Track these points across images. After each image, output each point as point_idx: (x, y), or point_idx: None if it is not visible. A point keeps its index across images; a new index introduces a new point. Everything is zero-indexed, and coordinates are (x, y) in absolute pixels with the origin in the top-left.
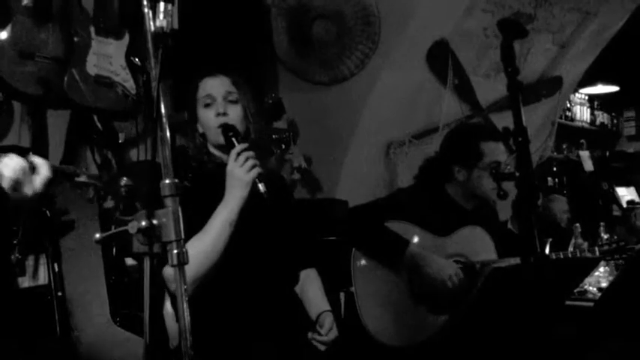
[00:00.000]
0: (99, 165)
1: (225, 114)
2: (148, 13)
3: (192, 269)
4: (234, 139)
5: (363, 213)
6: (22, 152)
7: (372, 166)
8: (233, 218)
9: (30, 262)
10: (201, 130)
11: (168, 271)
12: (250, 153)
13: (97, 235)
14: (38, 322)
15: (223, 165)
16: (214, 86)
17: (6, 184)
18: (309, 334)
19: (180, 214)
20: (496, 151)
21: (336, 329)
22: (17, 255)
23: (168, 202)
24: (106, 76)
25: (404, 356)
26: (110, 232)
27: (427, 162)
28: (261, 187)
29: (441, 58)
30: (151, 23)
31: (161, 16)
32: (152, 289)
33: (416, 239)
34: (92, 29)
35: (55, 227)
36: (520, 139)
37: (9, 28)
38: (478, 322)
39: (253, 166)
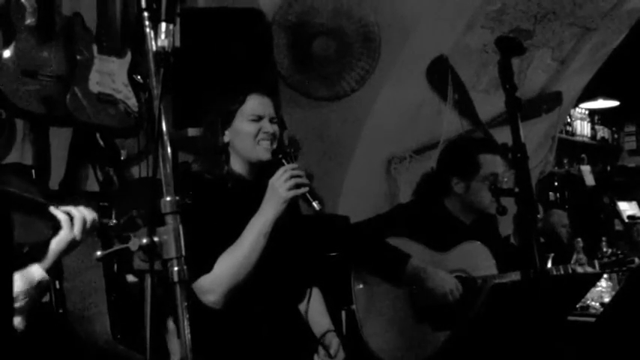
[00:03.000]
0: (101, 182)
1: (274, 136)
2: (150, 33)
3: (226, 281)
4: (284, 161)
5: (364, 229)
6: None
7: (373, 181)
8: (267, 230)
9: None
10: (227, 139)
11: (204, 281)
12: (299, 172)
13: (98, 253)
14: (40, 339)
15: (243, 180)
16: (264, 105)
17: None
18: (315, 357)
19: (182, 231)
20: (493, 163)
21: (342, 351)
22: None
23: (169, 219)
24: (109, 93)
25: None
26: (111, 250)
27: (425, 177)
28: (315, 205)
29: (440, 74)
30: (153, 43)
31: (162, 35)
32: (153, 306)
33: (416, 255)
34: (95, 47)
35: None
36: (518, 155)
37: (12, 46)
38: (480, 338)
39: (297, 186)
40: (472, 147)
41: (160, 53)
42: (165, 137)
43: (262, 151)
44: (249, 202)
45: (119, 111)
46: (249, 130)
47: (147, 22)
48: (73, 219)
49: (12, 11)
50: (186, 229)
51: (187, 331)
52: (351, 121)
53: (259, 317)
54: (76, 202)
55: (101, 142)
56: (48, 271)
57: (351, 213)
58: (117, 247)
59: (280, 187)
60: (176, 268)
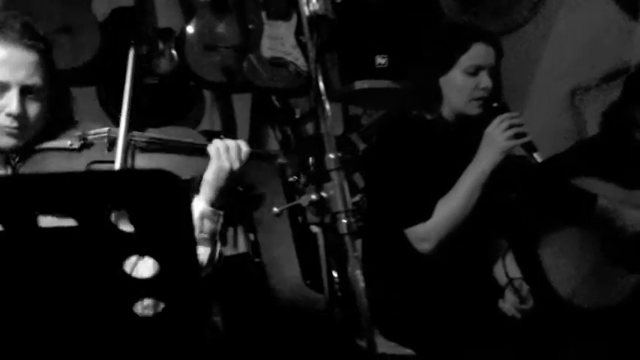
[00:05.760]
0: (280, 140)
1: (490, 91)
2: None
3: (443, 230)
4: (500, 110)
5: (546, 169)
6: (215, 135)
7: (554, 117)
8: (483, 181)
9: (230, 232)
10: (441, 84)
11: (421, 229)
12: (518, 121)
13: (276, 209)
14: (241, 285)
15: (451, 126)
16: (487, 56)
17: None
18: (500, 302)
19: (346, 186)
20: None
21: (531, 298)
22: None
23: (334, 175)
24: (280, 56)
25: (601, 319)
26: (286, 206)
27: (611, 107)
28: (536, 156)
29: None
30: (305, 8)
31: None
32: (328, 255)
33: (603, 194)
34: (263, 14)
35: (248, 201)
36: None
37: (193, 23)
38: None
39: (516, 136)
40: None
41: (313, 17)
42: (324, 97)
43: (474, 108)
44: (456, 149)
45: (290, 72)
46: (465, 85)
47: None
48: (227, 149)
49: None
50: (397, 175)
51: (361, 279)
52: (527, 53)
53: (451, 263)
54: (265, 159)
55: (277, 104)
56: (214, 204)
57: None
58: (291, 203)
59: (498, 137)
60: (344, 221)
